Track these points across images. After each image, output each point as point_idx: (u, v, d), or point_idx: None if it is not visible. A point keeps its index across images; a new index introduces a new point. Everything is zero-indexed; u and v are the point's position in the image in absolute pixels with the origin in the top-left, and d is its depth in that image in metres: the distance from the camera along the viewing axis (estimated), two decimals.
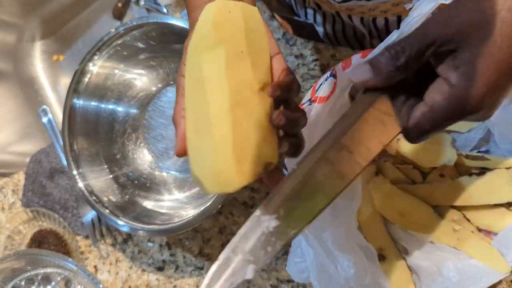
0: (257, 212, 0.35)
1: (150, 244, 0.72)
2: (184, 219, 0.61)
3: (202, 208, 0.61)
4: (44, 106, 0.81)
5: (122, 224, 0.64)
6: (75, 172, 0.67)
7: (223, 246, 0.68)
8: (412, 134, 0.36)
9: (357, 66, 0.35)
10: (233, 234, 0.68)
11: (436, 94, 0.34)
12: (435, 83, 0.34)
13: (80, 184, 0.67)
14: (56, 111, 0.84)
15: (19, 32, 0.86)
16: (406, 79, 0.35)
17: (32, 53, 0.89)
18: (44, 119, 0.80)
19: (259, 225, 0.35)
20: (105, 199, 0.67)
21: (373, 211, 0.60)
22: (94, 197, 0.66)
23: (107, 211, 0.65)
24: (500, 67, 0.32)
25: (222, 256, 0.35)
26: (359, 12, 0.62)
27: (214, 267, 0.35)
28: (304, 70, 0.70)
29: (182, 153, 0.40)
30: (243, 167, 0.36)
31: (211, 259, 0.69)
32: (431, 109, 0.34)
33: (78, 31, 0.87)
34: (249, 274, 0.35)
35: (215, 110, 0.36)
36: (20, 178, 0.81)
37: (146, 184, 0.71)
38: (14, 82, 0.87)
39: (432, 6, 0.45)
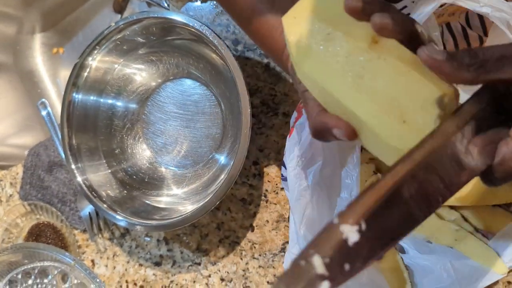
0: (335, 220, 0.29)
1: (148, 239, 0.72)
2: (183, 215, 0.61)
3: (201, 204, 0.61)
4: (43, 99, 0.80)
5: (120, 219, 0.64)
6: (73, 166, 0.67)
7: (220, 242, 0.69)
8: (497, 172, 0.31)
9: (430, 46, 0.31)
10: (230, 230, 0.69)
11: None
12: None
13: (79, 179, 0.67)
14: (55, 104, 0.83)
15: (19, 24, 0.86)
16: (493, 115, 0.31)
17: (32, 45, 0.88)
18: (43, 112, 0.79)
19: (336, 234, 0.28)
20: (103, 193, 0.67)
21: None
22: (92, 192, 0.66)
23: (105, 205, 0.65)
24: None
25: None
26: None
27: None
28: None
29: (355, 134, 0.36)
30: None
31: (209, 254, 0.69)
32: None
33: (78, 24, 0.87)
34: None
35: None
36: (18, 171, 0.80)
37: (145, 179, 0.71)
38: (14, 74, 0.87)
39: (433, 6, 0.45)
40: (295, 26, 0.37)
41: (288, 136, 0.55)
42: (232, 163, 0.59)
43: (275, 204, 0.67)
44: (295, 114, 0.55)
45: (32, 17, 0.84)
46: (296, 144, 0.54)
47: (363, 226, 0.28)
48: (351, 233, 0.28)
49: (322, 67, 0.35)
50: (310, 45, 0.35)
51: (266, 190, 0.68)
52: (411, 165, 0.30)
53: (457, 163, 0.31)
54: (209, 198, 0.60)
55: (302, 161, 0.54)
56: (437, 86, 0.32)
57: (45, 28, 0.88)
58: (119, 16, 0.81)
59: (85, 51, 0.67)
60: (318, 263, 0.27)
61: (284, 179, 0.58)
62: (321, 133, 0.38)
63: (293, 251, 0.58)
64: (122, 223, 0.64)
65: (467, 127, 0.31)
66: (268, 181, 0.68)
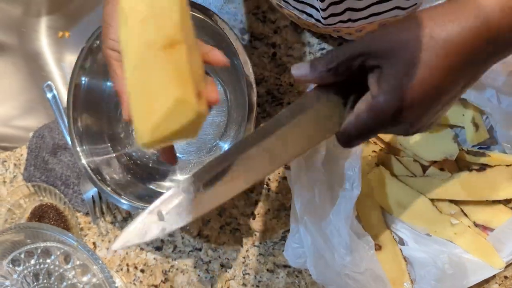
0: (183, 183, 0.40)
1: None
2: None
3: None
4: (49, 82, 0.81)
5: (123, 202, 0.65)
6: (78, 148, 0.67)
7: (221, 228, 0.69)
8: (341, 139, 0.40)
9: (301, 64, 0.40)
10: (232, 217, 0.69)
11: (362, 104, 0.37)
12: (366, 94, 0.38)
13: (83, 161, 0.67)
14: (59, 87, 0.84)
15: (25, 6, 0.86)
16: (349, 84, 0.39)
17: (37, 28, 0.88)
18: (49, 95, 0.80)
19: (179, 193, 0.40)
20: (107, 177, 0.68)
21: (372, 201, 0.61)
22: (96, 174, 0.67)
23: (108, 189, 0.66)
24: (426, 89, 0.34)
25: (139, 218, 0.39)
26: (346, 33, 0.62)
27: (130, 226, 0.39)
28: (311, 58, 0.70)
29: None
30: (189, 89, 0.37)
31: (210, 241, 0.70)
32: (356, 117, 0.38)
33: (85, 8, 0.87)
34: (157, 232, 0.38)
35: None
36: (22, 152, 0.81)
37: (149, 165, 0.72)
38: (18, 57, 0.87)
39: None
40: None
41: None
42: None
43: (277, 193, 0.68)
44: None
45: None
46: None
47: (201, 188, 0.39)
48: (190, 194, 0.39)
49: (127, 41, 0.39)
50: (128, 18, 0.38)
51: (268, 179, 0.69)
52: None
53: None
54: None
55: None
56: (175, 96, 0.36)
57: (51, 11, 0.88)
58: None
59: (93, 34, 0.67)
60: None
61: (287, 168, 0.58)
62: (118, 97, 0.46)
63: (293, 239, 0.58)
64: (125, 207, 0.65)
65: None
66: None
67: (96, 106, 0.71)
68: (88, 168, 0.67)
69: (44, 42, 0.88)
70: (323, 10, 0.56)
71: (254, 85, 0.59)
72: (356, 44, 0.37)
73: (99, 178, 0.67)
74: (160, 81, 0.36)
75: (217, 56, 0.46)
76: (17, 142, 0.82)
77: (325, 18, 0.57)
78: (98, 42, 0.68)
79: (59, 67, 0.87)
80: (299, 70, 0.39)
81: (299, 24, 0.69)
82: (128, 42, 0.38)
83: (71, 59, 0.87)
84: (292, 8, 0.61)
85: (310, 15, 0.60)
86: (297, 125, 0.40)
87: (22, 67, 0.87)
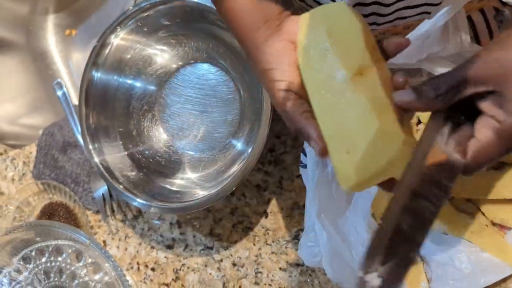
0: (360, 274, 0.36)
1: (158, 222, 0.72)
2: (198, 198, 0.61)
3: (217, 189, 0.61)
4: (59, 80, 0.80)
5: (136, 200, 0.64)
6: (90, 146, 0.67)
7: (234, 227, 0.69)
8: (470, 169, 0.38)
9: (403, 91, 0.38)
10: (244, 215, 0.69)
11: (487, 130, 0.37)
12: (481, 119, 0.38)
13: (96, 159, 0.67)
14: (67, 85, 0.83)
15: (32, 4, 0.86)
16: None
17: (44, 26, 0.88)
18: (59, 93, 0.79)
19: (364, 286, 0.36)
20: (119, 175, 0.67)
21: (389, 199, 0.60)
22: (108, 172, 0.66)
23: (121, 186, 0.65)
24: None
25: None
26: None
27: None
28: None
29: (326, 152, 0.39)
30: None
31: (221, 239, 0.69)
32: (486, 144, 0.37)
33: (92, 6, 0.87)
34: None
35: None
36: (31, 150, 0.80)
37: (161, 163, 0.71)
38: (26, 55, 0.87)
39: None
40: (306, 27, 0.39)
41: None
42: (249, 150, 0.59)
43: (290, 191, 0.68)
44: None
45: None
46: None
47: (381, 270, 0.35)
48: (374, 280, 0.35)
49: (309, 73, 0.37)
50: (309, 50, 0.38)
51: (282, 177, 0.68)
52: (400, 205, 0.37)
53: (445, 169, 0.37)
54: (225, 183, 0.60)
55: None
56: (388, 135, 0.33)
57: (58, 9, 0.87)
58: (133, 0, 0.81)
59: (106, 30, 0.67)
60: None
61: (304, 166, 0.58)
62: (300, 135, 0.40)
63: (308, 237, 0.58)
64: (138, 204, 0.64)
65: (442, 131, 0.38)
66: (284, 168, 0.68)
67: (108, 102, 0.71)
68: (100, 166, 0.66)
69: (51, 40, 0.88)
70: None
71: None
72: (464, 69, 0.37)
73: (111, 176, 0.66)
74: (356, 115, 0.34)
75: (398, 41, 0.41)
76: (25, 140, 0.82)
77: None
78: (113, 36, 0.67)
79: (67, 65, 0.87)
80: (403, 97, 0.38)
81: None
82: (313, 80, 0.36)
83: (78, 57, 0.87)
84: None
85: None
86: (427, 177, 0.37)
87: (29, 65, 0.87)
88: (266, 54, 0.42)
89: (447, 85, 0.37)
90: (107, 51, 0.68)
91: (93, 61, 0.68)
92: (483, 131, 0.37)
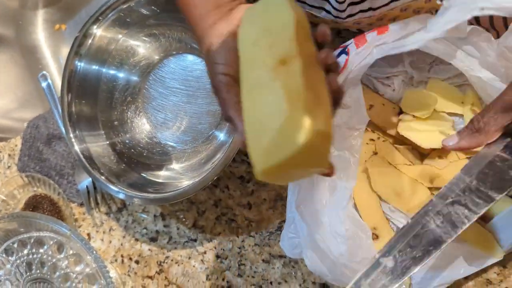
0: (376, 256, 0.44)
1: (144, 216, 0.71)
2: (180, 188, 0.61)
3: (198, 179, 0.61)
4: (44, 72, 0.80)
5: (117, 191, 0.64)
6: (71, 135, 0.66)
7: (217, 219, 0.68)
8: None
9: (453, 136, 0.47)
10: (228, 207, 0.69)
11: None
12: None
13: (76, 148, 0.66)
14: (56, 80, 0.83)
15: None
16: None
17: (34, 21, 0.88)
18: (43, 84, 0.79)
19: (378, 265, 0.43)
20: (101, 165, 0.67)
21: (369, 190, 0.60)
22: (90, 163, 0.66)
23: (102, 177, 0.65)
24: None
25: None
26: (367, 23, 0.61)
27: None
28: None
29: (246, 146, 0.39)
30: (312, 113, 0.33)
31: (205, 231, 0.69)
32: None
33: (81, 1, 0.87)
34: None
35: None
36: (17, 142, 0.80)
37: (143, 153, 0.71)
38: (16, 49, 0.87)
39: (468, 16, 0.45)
40: (245, 17, 0.40)
41: None
42: (230, 140, 0.59)
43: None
44: None
45: None
46: None
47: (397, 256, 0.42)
48: (388, 261, 0.43)
49: (242, 62, 0.38)
50: (243, 40, 0.38)
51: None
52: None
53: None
54: (206, 174, 0.60)
55: None
56: (299, 124, 0.32)
57: (48, 4, 0.87)
58: None
59: (88, 20, 0.66)
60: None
61: None
62: (229, 123, 0.42)
63: (289, 229, 0.57)
64: (120, 195, 0.64)
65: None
66: None
67: (91, 92, 0.70)
68: (81, 156, 0.66)
69: (41, 35, 0.88)
70: (341, 2, 0.55)
71: None
72: (504, 108, 0.43)
73: (93, 166, 0.66)
74: (271, 102, 0.33)
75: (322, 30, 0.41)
76: (13, 133, 0.82)
77: (343, 11, 0.56)
78: (95, 27, 0.67)
79: (56, 60, 0.87)
80: (449, 141, 0.46)
81: (316, 23, 0.68)
82: (243, 67, 0.37)
83: (67, 51, 0.87)
84: (309, 8, 0.60)
85: (329, 12, 0.59)
86: None
87: (19, 59, 0.87)
88: (211, 36, 0.43)
89: (491, 126, 0.44)
90: (89, 41, 0.68)
91: (75, 51, 0.67)
92: None
